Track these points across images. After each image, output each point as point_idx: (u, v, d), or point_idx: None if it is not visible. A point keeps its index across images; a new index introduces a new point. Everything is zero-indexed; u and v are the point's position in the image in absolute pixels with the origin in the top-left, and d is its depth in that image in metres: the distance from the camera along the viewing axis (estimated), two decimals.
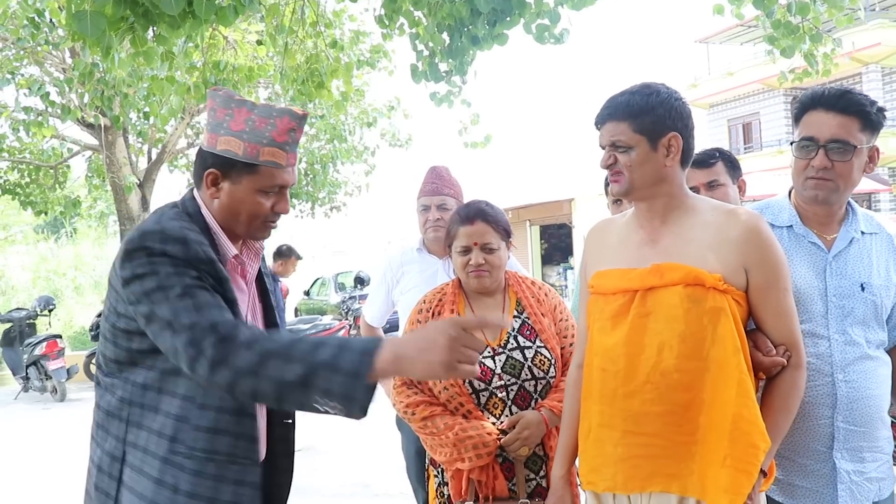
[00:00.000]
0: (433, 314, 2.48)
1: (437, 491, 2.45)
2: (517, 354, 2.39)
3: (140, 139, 12.47)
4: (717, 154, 2.78)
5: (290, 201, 1.89)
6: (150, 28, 3.41)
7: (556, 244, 25.01)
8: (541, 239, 25.02)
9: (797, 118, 2.12)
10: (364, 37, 10.13)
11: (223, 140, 1.76)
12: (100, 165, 14.07)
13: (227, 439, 1.69)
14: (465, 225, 2.46)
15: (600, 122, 1.91)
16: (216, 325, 1.56)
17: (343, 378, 1.48)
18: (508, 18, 4.80)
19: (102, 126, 11.06)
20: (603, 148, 1.91)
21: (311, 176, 14.52)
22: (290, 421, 2.02)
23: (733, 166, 2.78)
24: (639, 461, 1.83)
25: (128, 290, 1.64)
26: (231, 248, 1.82)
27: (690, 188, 2.82)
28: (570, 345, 2.47)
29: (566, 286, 23.26)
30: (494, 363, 2.36)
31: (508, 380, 2.36)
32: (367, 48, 10.43)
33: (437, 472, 2.46)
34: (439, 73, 5.25)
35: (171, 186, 21.62)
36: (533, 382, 2.38)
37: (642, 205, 1.96)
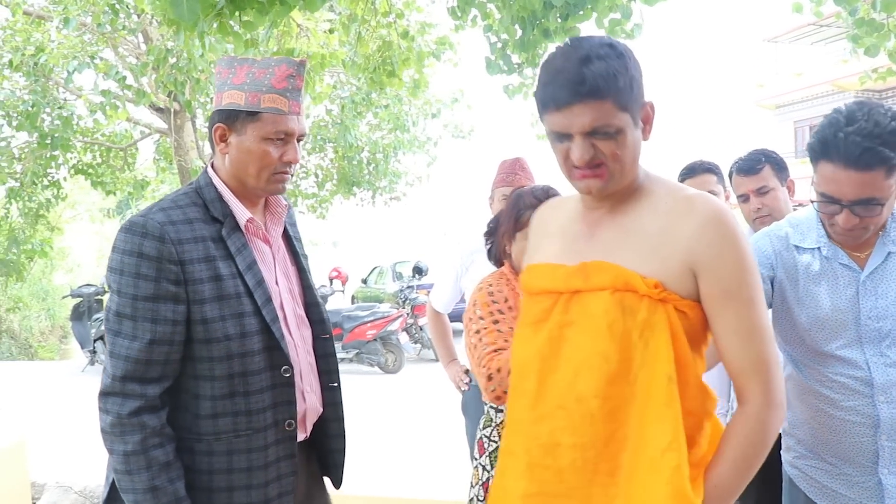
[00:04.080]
0: (509, 305, 2.41)
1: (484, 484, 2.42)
2: None
3: (206, 124, 12.76)
4: (763, 158, 2.74)
5: (298, 151, 1.92)
6: (238, 14, 3.52)
7: None
8: None
9: (812, 160, 1.88)
10: (430, 28, 10.20)
11: (227, 95, 1.84)
12: (167, 148, 14.44)
13: (226, 420, 1.78)
14: None
15: (565, 103, 1.42)
16: (128, 377, 1.70)
17: None
18: (581, 12, 4.80)
19: (172, 110, 11.34)
20: (562, 137, 1.47)
21: (372, 165, 14.68)
22: (336, 385, 2.07)
23: (780, 168, 2.75)
24: (545, 500, 1.52)
25: (107, 276, 1.78)
26: (244, 212, 1.87)
27: (739, 196, 2.81)
28: None
29: None
30: None
31: None
32: (433, 40, 10.49)
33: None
34: (512, 64, 5.28)
35: None
36: None
37: None
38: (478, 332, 2.35)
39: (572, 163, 1.48)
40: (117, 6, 8.35)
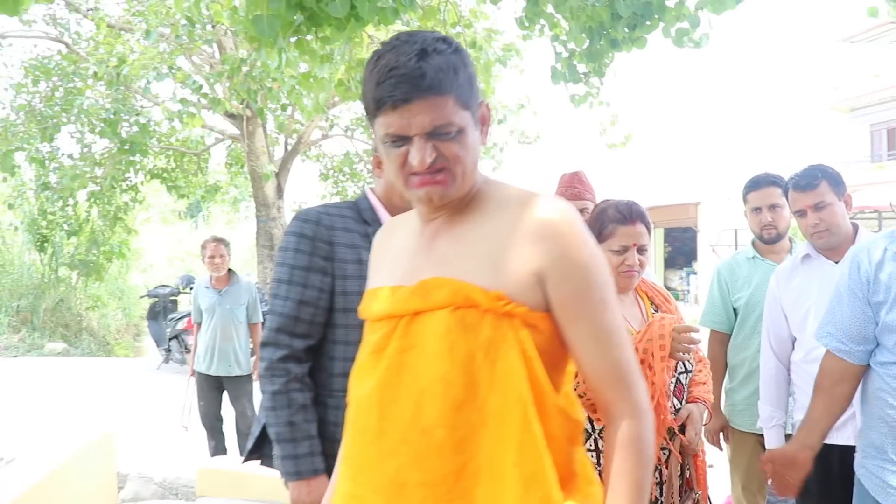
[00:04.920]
0: None
1: None
2: None
3: (277, 130, 13.10)
4: (819, 174, 2.75)
5: None
6: (314, 30, 3.68)
7: (680, 248, 24.54)
8: (665, 242, 24.60)
9: None
10: (496, 35, 10.30)
11: None
12: (239, 153, 14.87)
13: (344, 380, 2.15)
14: (625, 225, 2.43)
15: (403, 100, 1.29)
16: (281, 329, 2.08)
17: (280, 465, 2.07)
18: (648, 22, 4.84)
19: (245, 117, 11.70)
20: (400, 141, 1.33)
21: None
22: None
23: (836, 182, 2.75)
24: None
25: (277, 254, 2.17)
26: (386, 216, 2.22)
27: (796, 211, 2.84)
28: None
29: (688, 291, 22.79)
30: None
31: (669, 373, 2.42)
32: (500, 46, 10.59)
33: None
34: (578, 74, 5.35)
35: (304, 176, 22.44)
36: (685, 375, 2.46)
37: None
38: None
39: (411, 169, 1.34)
40: (194, 18, 8.67)
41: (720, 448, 3.41)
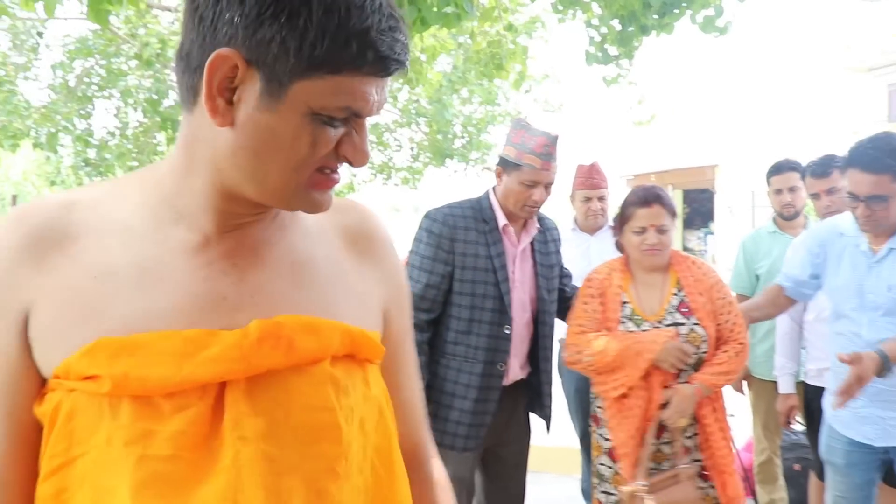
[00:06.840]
0: (599, 292, 2.74)
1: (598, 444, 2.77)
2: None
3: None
4: (832, 163, 3.24)
5: (544, 193, 2.69)
6: None
7: (698, 209, 24.85)
8: (683, 203, 24.94)
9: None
10: (521, 6, 10.61)
11: (506, 148, 2.67)
12: None
13: (461, 347, 2.63)
14: (643, 207, 2.65)
15: (394, 69, 0.86)
16: (419, 302, 2.55)
17: None
18: (677, 10, 5.24)
19: None
20: (340, 119, 0.86)
21: (465, 138, 15.17)
22: (547, 352, 2.81)
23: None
24: None
25: (412, 244, 2.69)
26: (503, 219, 2.67)
27: (811, 194, 3.41)
28: (727, 321, 2.65)
29: (706, 251, 23.17)
30: None
31: None
32: (525, 21, 10.89)
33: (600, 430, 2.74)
34: (609, 56, 5.77)
35: None
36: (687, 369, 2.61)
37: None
38: (574, 307, 2.79)
39: (328, 161, 0.87)
40: None
41: (742, 393, 3.91)
